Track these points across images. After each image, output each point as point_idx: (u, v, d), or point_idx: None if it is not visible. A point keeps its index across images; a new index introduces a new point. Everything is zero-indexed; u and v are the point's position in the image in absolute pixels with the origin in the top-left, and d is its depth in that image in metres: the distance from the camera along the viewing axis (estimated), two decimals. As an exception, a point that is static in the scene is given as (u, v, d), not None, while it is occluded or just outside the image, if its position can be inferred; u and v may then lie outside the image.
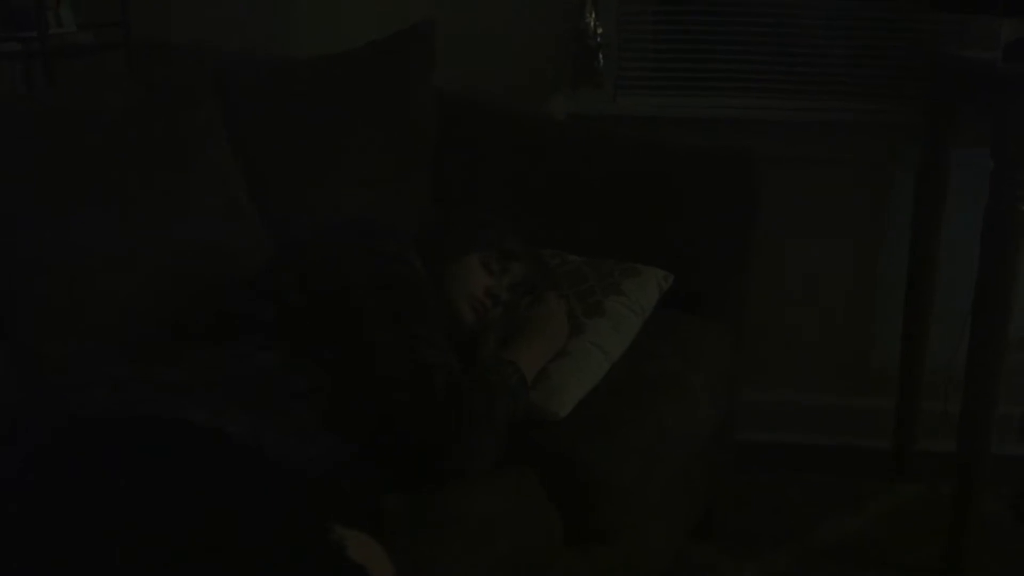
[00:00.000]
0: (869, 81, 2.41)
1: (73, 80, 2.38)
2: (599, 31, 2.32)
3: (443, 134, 2.14)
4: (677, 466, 1.73)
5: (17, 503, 1.06)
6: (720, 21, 2.44)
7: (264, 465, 1.18)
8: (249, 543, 1.04)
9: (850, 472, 2.46)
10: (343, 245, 1.52)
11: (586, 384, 1.58)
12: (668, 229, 1.99)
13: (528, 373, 1.49)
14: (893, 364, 2.41)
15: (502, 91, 2.34)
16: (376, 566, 1.12)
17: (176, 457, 1.12)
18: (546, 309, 1.62)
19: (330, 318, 1.40)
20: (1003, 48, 1.99)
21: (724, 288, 2.02)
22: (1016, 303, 1.95)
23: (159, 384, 1.27)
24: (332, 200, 1.94)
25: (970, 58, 2.17)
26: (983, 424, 1.99)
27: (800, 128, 2.38)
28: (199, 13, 2.33)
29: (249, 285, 1.49)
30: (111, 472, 1.08)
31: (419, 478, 1.36)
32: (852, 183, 2.45)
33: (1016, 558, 2.14)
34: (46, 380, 1.42)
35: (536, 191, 2.07)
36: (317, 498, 1.19)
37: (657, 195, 2.02)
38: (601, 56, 2.33)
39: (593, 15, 2.30)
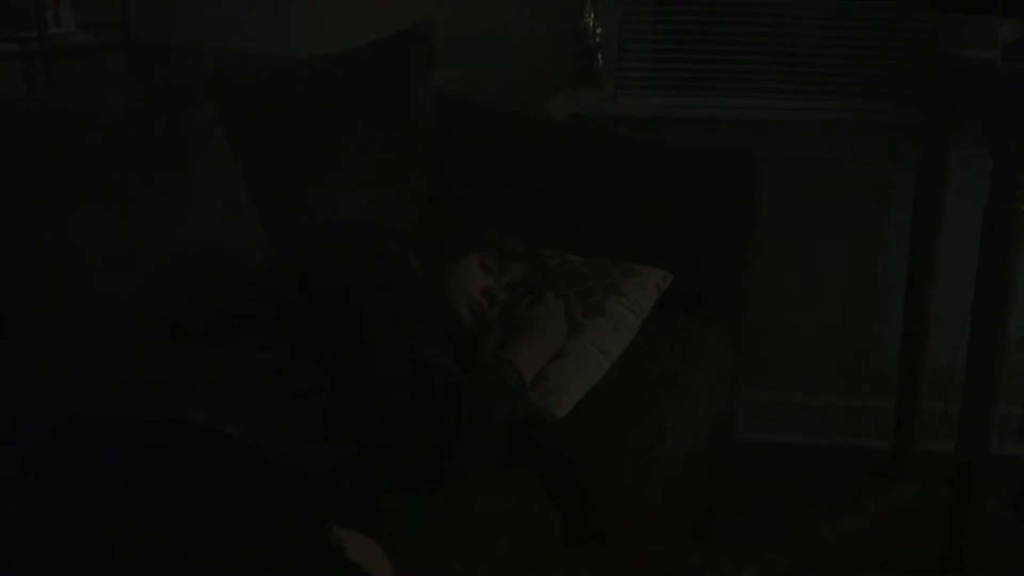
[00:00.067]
0: (869, 81, 2.41)
1: (73, 80, 2.38)
2: (598, 31, 2.32)
3: (443, 134, 2.14)
4: (677, 466, 1.73)
5: (17, 503, 1.06)
6: (720, 21, 2.44)
7: (264, 465, 1.19)
8: (249, 543, 1.04)
9: (850, 472, 2.46)
10: (343, 245, 1.52)
11: (585, 384, 1.58)
12: (668, 229, 1.99)
13: (527, 373, 1.49)
14: (893, 364, 2.41)
15: (502, 91, 2.34)
16: (375, 566, 1.12)
17: (176, 457, 1.12)
18: (545, 309, 1.62)
19: (330, 318, 1.40)
20: (1002, 48, 1.99)
21: (724, 288, 2.02)
22: (1016, 303, 1.95)
23: (159, 384, 1.27)
24: (332, 200, 1.94)
25: (970, 58, 2.17)
26: (983, 424, 1.99)
27: (800, 128, 2.38)
28: (199, 13, 2.33)
29: (249, 285, 1.49)
30: (111, 472, 1.08)
31: (419, 478, 1.36)
32: (852, 183, 2.45)
33: (1016, 558, 2.14)
34: (46, 380, 1.42)
35: (536, 191, 2.07)
36: (317, 498, 1.20)
37: (657, 195, 2.02)
38: (600, 56, 2.33)
39: (592, 15, 2.30)
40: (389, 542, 1.18)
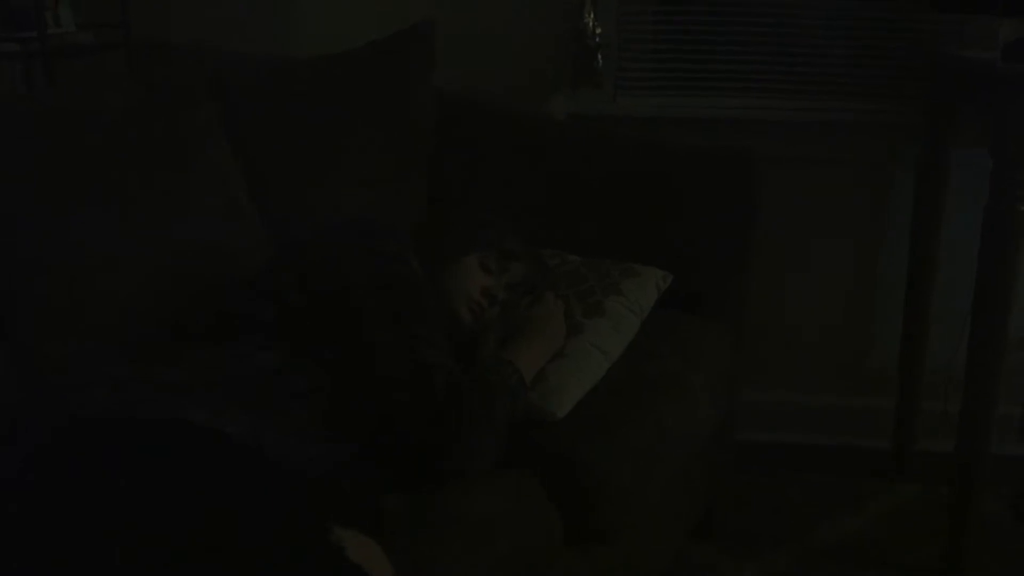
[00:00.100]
0: (869, 81, 2.41)
1: (72, 80, 2.38)
2: (598, 31, 2.32)
3: (443, 134, 2.14)
4: (677, 466, 1.73)
5: (17, 503, 1.06)
6: (720, 21, 2.44)
7: (264, 465, 1.19)
8: (249, 543, 1.04)
9: (850, 472, 2.46)
10: (343, 245, 1.52)
11: (585, 384, 1.58)
12: (668, 229, 1.99)
13: (527, 373, 1.49)
14: (893, 364, 2.41)
15: (502, 91, 2.34)
16: (375, 566, 1.12)
17: (176, 457, 1.12)
18: (545, 309, 1.62)
19: (330, 318, 1.40)
20: (1002, 48, 1.99)
21: (724, 288, 2.02)
22: (1016, 303, 1.95)
23: (159, 384, 1.27)
24: (332, 200, 1.94)
25: (970, 58, 2.17)
26: (983, 424, 1.99)
27: (800, 128, 2.38)
28: (199, 13, 2.33)
29: (249, 285, 1.49)
30: (111, 472, 1.08)
31: (419, 478, 1.36)
32: (852, 183, 2.45)
33: (1016, 558, 2.14)
34: (46, 380, 1.42)
35: (536, 191, 2.07)
36: (317, 498, 1.20)
37: (657, 195, 2.02)
38: (600, 56, 2.33)
39: (592, 15, 2.30)
40: (389, 542, 1.18)
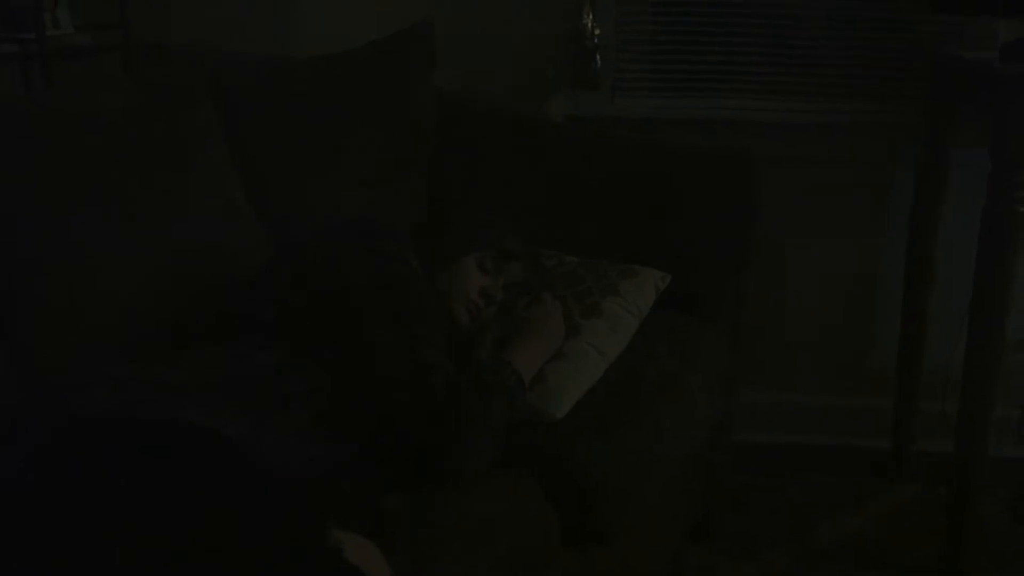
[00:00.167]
0: (869, 82, 2.41)
1: (71, 82, 2.38)
2: (597, 32, 2.32)
3: (443, 134, 2.15)
4: (675, 467, 1.73)
5: (17, 503, 1.06)
6: (718, 22, 2.44)
7: (263, 466, 1.19)
8: (249, 543, 1.05)
9: (849, 472, 2.46)
10: (343, 245, 1.52)
11: (583, 385, 1.59)
12: (667, 229, 1.99)
13: (525, 374, 1.50)
14: (893, 364, 2.41)
15: (502, 91, 2.34)
16: (373, 568, 1.12)
17: (176, 457, 1.12)
18: (543, 310, 1.63)
19: (330, 318, 1.40)
20: (1001, 48, 2.00)
21: (722, 288, 2.02)
22: (1013, 304, 1.95)
23: (159, 384, 1.28)
24: (332, 200, 1.94)
25: (969, 59, 2.17)
26: (980, 425, 1.99)
27: (799, 129, 2.38)
28: (198, 13, 2.33)
29: (249, 285, 1.50)
30: (111, 472, 1.08)
31: (418, 478, 1.36)
32: (852, 183, 2.45)
33: (1014, 560, 2.15)
34: (46, 380, 1.42)
35: (536, 191, 2.07)
36: (317, 498, 1.20)
37: (656, 195, 2.02)
38: (599, 57, 2.33)
39: (591, 16, 2.30)
40: (389, 542, 1.18)
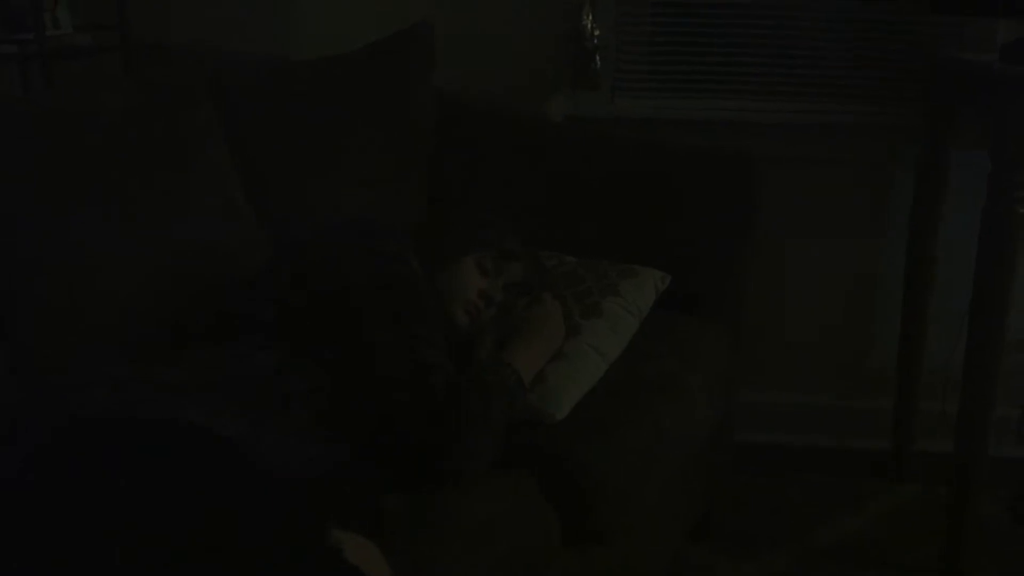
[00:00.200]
0: (869, 83, 2.41)
1: (71, 82, 2.38)
2: (596, 33, 2.32)
3: (443, 134, 2.15)
4: (675, 467, 1.74)
5: (17, 503, 1.06)
6: (719, 23, 2.44)
7: (263, 466, 1.19)
8: (249, 543, 1.05)
9: (849, 473, 2.46)
10: (343, 245, 1.52)
11: (583, 386, 1.59)
12: (667, 229, 1.99)
13: (526, 374, 1.50)
14: (893, 364, 2.41)
15: (502, 91, 2.34)
16: (373, 568, 1.12)
17: (176, 457, 1.12)
18: (543, 310, 1.63)
19: (330, 318, 1.40)
20: (1000, 49, 2.00)
21: (722, 288, 2.02)
22: (1013, 305, 1.95)
23: (159, 384, 1.28)
24: (332, 200, 1.94)
25: (969, 60, 2.17)
26: (980, 425, 1.99)
27: (800, 130, 2.38)
28: (198, 14, 2.33)
29: (249, 285, 1.50)
30: (111, 472, 1.08)
31: (418, 478, 1.36)
32: (852, 183, 2.45)
33: (1014, 560, 2.15)
34: (46, 380, 1.42)
35: (536, 191, 2.07)
36: (317, 498, 1.20)
37: (657, 195, 2.02)
38: (599, 58, 2.33)
39: (591, 17, 2.30)
40: (389, 542, 1.18)
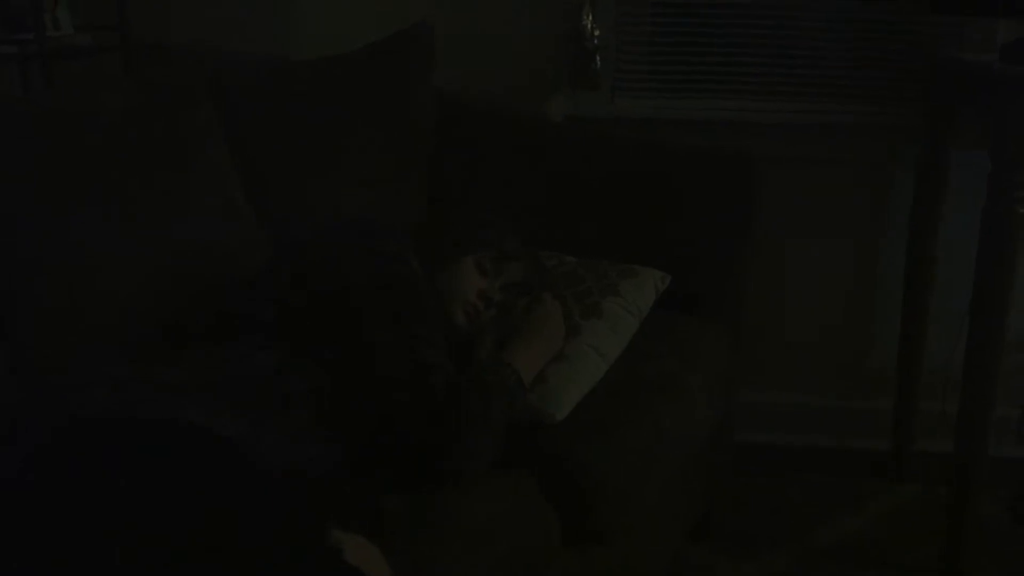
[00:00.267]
0: (869, 83, 2.41)
1: (71, 82, 2.38)
2: (596, 33, 2.32)
3: (443, 134, 2.15)
4: (675, 467, 1.74)
5: (17, 503, 1.06)
6: (719, 23, 2.44)
7: (263, 466, 1.19)
8: (249, 543, 1.05)
9: (849, 473, 2.46)
10: (343, 245, 1.52)
11: (583, 387, 1.59)
12: (667, 229, 1.99)
13: (526, 375, 1.49)
14: (893, 364, 2.41)
15: (502, 91, 2.34)
16: (373, 568, 1.12)
17: (176, 457, 1.12)
18: (543, 310, 1.62)
19: (330, 318, 1.40)
20: (1000, 49, 2.00)
21: (722, 288, 2.02)
22: (1013, 305, 1.95)
23: (159, 384, 1.28)
24: (332, 200, 1.94)
25: (969, 60, 2.17)
26: (980, 425, 1.99)
27: (800, 129, 2.38)
28: (199, 13, 2.33)
29: (249, 285, 1.50)
30: (111, 472, 1.08)
31: (418, 478, 1.36)
32: (852, 183, 2.45)
33: (1014, 560, 2.15)
34: (46, 380, 1.42)
35: (536, 191, 2.07)
36: (317, 498, 1.20)
37: (657, 195, 2.02)
38: (599, 58, 2.33)
39: (591, 17, 2.30)
40: (389, 542, 1.18)
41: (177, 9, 2.35)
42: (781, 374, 2.53)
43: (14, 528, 1.04)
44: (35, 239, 1.50)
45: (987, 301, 1.95)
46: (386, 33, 2.12)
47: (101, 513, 1.04)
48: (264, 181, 1.88)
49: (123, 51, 2.39)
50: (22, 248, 1.49)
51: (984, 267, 1.94)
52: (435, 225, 1.75)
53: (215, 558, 1.02)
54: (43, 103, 1.81)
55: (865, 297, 2.53)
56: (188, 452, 1.14)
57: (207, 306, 1.48)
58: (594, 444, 1.52)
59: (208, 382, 1.29)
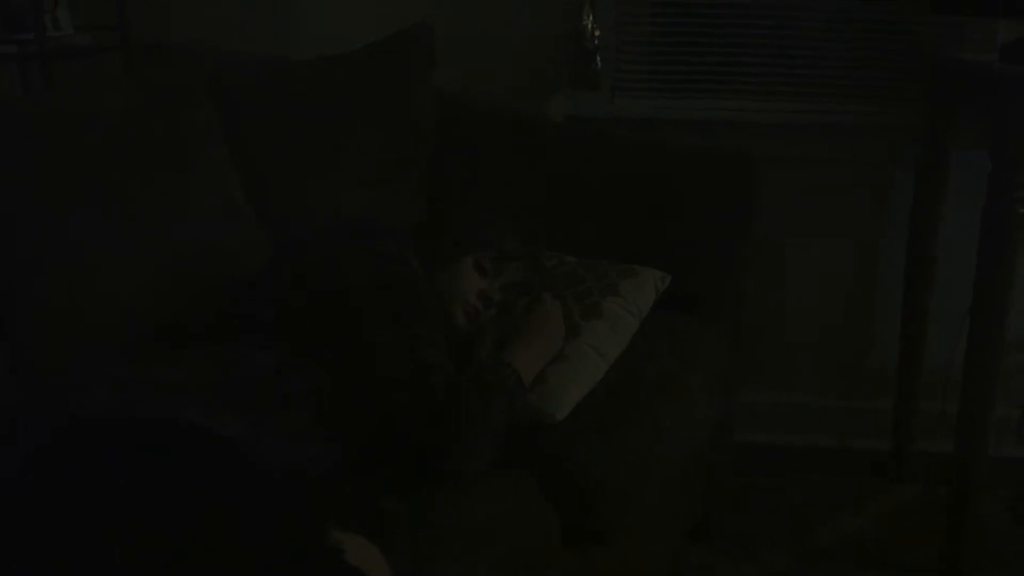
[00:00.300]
0: (869, 83, 2.41)
1: (71, 82, 2.38)
2: (596, 33, 2.32)
3: (443, 134, 2.15)
4: (675, 467, 1.74)
5: (17, 503, 1.06)
6: (719, 23, 2.44)
7: (263, 466, 1.19)
8: (249, 543, 1.05)
9: (849, 473, 2.46)
10: (343, 245, 1.52)
11: (583, 387, 1.58)
12: (667, 229, 1.99)
13: (526, 375, 1.49)
14: (893, 364, 2.41)
15: (502, 91, 2.34)
16: (373, 568, 1.12)
17: (176, 457, 1.12)
18: (543, 310, 1.62)
19: (330, 318, 1.40)
20: (1000, 49, 2.00)
21: (722, 288, 2.02)
22: (1014, 305, 1.95)
23: (159, 384, 1.28)
24: (332, 200, 1.94)
25: (969, 60, 2.17)
26: (980, 425, 2.00)
27: (800, 129, 2.38)
28: (199, 13, 2.33)
29: (249, 285, 1.50)
30: (111, 472, 1.08)
31: (418, 478, 1.36)
32: (852, 183, 2.45)
33: (1014, 560, 2.15)
34: (46, 380, 1.42)
35: (536, 191, 2.07)
36: (317, 498, 1.20)
37: (657, 195, 2.02)
38: (599, 58, 2.33)
39: (591, 17, 2.30)
40: (389, 543, 1.18)
41: (177, 9, 2.35)
42: (781, 374, 2.53)
43: (14, 528, 1.04)
44: (35, 239, 1.50)
45: (987, 301, 1.95)
46: (386, 33, 2.12)
47: (101, 513, 1.04)
48: (264, 181, 1.88)
49: (123, 51, 2.39)
50: (22, 248, 1.49)
51: (984, 267, 1.94)
52: (435, 225, 1.75)
53: (215, 558, 1.02)
54: (43, 103, 1.81)
55: (865, 297, 2.53)
56: (188, 452, 1.14)
57: (207, 306, 1.48)
58: (594, 444, 1.52)
59: (208, 382, 1.29)
